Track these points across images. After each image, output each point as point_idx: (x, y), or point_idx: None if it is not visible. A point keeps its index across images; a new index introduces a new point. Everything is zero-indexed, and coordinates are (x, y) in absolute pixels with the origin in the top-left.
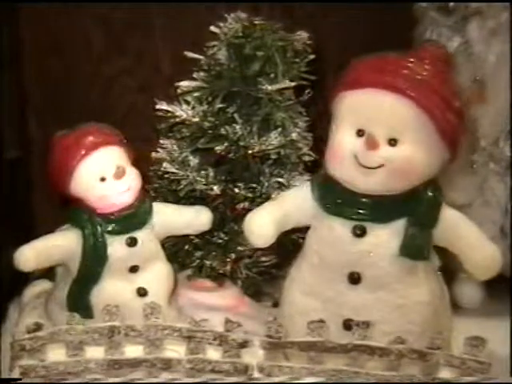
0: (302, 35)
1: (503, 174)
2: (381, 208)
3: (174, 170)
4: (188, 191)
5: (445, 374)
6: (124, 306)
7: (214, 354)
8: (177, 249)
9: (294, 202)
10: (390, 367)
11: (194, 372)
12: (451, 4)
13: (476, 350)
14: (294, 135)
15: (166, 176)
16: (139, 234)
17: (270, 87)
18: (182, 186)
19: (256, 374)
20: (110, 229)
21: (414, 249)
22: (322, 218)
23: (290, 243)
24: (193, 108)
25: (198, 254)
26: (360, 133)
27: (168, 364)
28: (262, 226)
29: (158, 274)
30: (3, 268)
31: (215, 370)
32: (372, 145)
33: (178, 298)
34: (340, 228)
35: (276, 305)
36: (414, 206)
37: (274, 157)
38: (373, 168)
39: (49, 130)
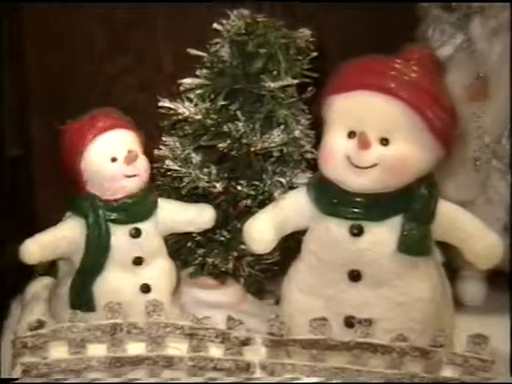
0: (305, 33)
1: (506, 171)
2: (376, 206)
3: (176, 168)
4: (190, 188)
5: (447, 371)
6: (127, 301)
7: (216, 351)
8: (179, 246)
9: (291, 206)
10: (392, 365)
11: (196, 370)
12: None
13: (478, 348)
14: (296, 133)
15: (169, 173)
16: (143, 226)
17: (272, 84)
18: (184, 184)
19: (258, 372)
20: (113, 217)
21: (411, 245)
22: (319, 219)
23: (292, 241)
24: (195, 105)
25: (201, 251)
26: (351, 135)
27: (170, 362)
28: (262, 231)
29: (161, 271)
30: (6, 265)
31: (217, 367)
32: (364, 144)
33: (180, 296)
34: (337, 228)
35: (278, 302)
36: (410, 203)
37: (276, 154)
38: (366, 168)
39: (50, 128)
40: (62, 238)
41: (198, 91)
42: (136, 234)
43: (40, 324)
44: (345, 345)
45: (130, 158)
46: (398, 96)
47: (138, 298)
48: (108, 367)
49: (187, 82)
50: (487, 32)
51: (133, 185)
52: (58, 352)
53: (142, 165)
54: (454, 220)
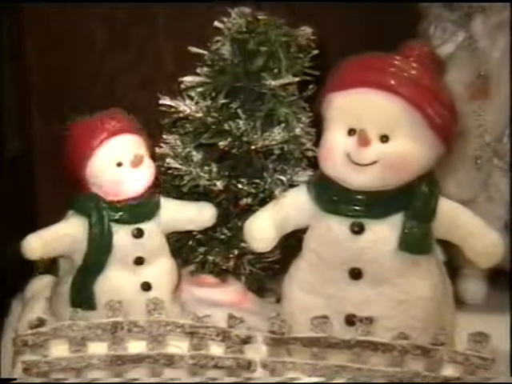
0: (306, 30)
1: (507, 169)
2: (377, 204)
3: (177, 166)
4: (191, 187)
5: (448, 370)
6: (127, 299)
7: (216, 349)
8: (180, 244)
9: (292, 205)
10: (393, 363)
11: (197, 368)
12: None
13: (479, 346)
14: (297, 130)
15: (170, 171)
16: (146, 226)
17: (273, 82)
18: (185, 182)
19: (259, 370)
20: (116, 217)
21: (412, 243)
22: (320, 217)
23: (293, 240)
24: (196, 103)
25: (202, 249)
26: (351, 132)
27: (171, 360)
28: (262, 229)
29: (162, 269)
30: (6, 263)
31: (218, 365)
32: (364, 141)
33: (181, 294)
34: (338, 226)
35: (279, 301)
36: (411, 200)
37: (277, 152)
38: (366, 165)
39: (51, 125)
40: (64, 235)
41: (199, 89)
42: (138, 234)
43: (40, 322)
44: (346, 343)
45: (136, 162)
46: (397, 93)
47: (138, 297)
48: (109, 365)
49: (188, 79)
50: (489, 29)
51: (137, 188)
52: (59, 350)
53: (147, 168)
54: (455, 218)
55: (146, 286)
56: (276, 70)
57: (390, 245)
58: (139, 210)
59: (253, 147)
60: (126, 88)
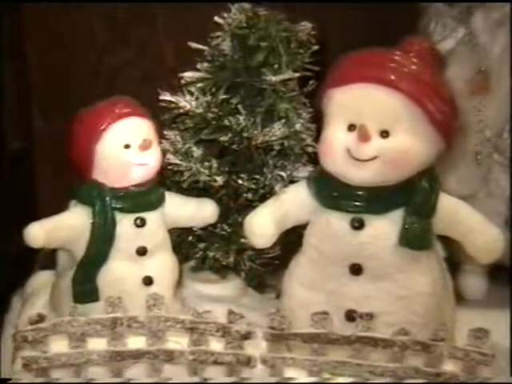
0: (306, 26)
1: (507, 164)
2: (377, 199)
3: (177, 161)
4: (191, 182)
5: (448, 365)
6: (128, 293)
7: (216, 345)
8: (180, 240)
9: (292, 200)
10: (393, 359)
11: (197, 364)
12: None
13: (479, 342)
14: (297, 126)
15: (170, 167)
16: (148, 216)
17: (273, 78)
18: (185, 177)
19: (259, 366)
20: (119, 206)
21: (413, 238)
22: (320, 213)
23: (293, 235)
24: (196, 99)
25: (202, 245)
26: (351, 128)
27: (170, 356)
28: (262, 225)
29: (164, 264)
30: (7, 258)
31: (218, 361)
32: (364, 137)
33: (181, 290)
34: (338, 221)
35: (279, 296)
36: (411, 196)
37: (277, 148)
38: (366, 160)
39: (52, 121)
40: (67, 225)
41: (199, 85)
42: (141, 223)
43: (40, 318)
44: (346, 339)
45: (144, 145)
46: (398, 88)
47: (140, 291)
48: (108, 361)
49: (188, 75)
50: (490, 25)
51: (142, 173)
52: (59, 346)
53: (154, 154)
54: (455, 214)
55: (148, 281)
56: (276, 66)
57: (390, 240)
58: (142, 198)
59: (253, 143)
60: (126, 85)
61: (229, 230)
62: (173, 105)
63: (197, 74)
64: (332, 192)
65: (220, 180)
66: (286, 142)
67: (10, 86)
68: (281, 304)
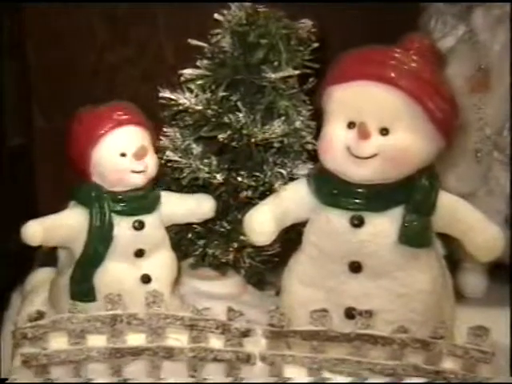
0: (306, 23)
1: (507, 162)
2: (377, 197)
3: (176, 159)
4: (191, 179)
5: (448, 363)
6: (127, 291)
7: (216, 342)
8: (180, 237)
9: (292, 198)
10: (392, 356)
11: (196, 361)
12: None
13: (479, 340)
14: (297, 124)
15: (169, 164)
16: (147, 219)
17: (273, 75)
18: (184, 175)
19: (258, 363)
20: (118, 209)
21: (412, 236)
22: (320, 211)
23: (292, 233)
24: (196, 96)
25: (201, 242)
26: (351, 125)
27: (170, 353)
28: (262, 223)
29: (162, 262)
30: (6, 255)
31: (217, 358)
32: (364, 134)
33: (180, 287)
34: (337, 219)
35: (279, 294)
36: (411, 194)
37: (277, 145)
38: (366, 158)
39: (52, 119)
40: (65, 224)
41: (199, 82)
42: (139, 226)
43: (40, 315)
44: (345, 336)
45: (139, 154)
46: (397, 86)
47: (138, 289)
48: (108, 358)
49: (188, 72)
50: (490, 22)
51: (138, 180)
52: (58, 343)
53: (150, 162)
54: (455, 212)
55: (146, 279)
56: (276, 63)
57: (389, 238)
58: (140, 201)
59: (253, 140)
60: (126, 83)
61: (228, 228)
62: (172, 102)
63: (196, 72)
64: (332, 189)
65: (220, 177)
66: (286, 139)
67: (10, 85)
68: (280, 301)
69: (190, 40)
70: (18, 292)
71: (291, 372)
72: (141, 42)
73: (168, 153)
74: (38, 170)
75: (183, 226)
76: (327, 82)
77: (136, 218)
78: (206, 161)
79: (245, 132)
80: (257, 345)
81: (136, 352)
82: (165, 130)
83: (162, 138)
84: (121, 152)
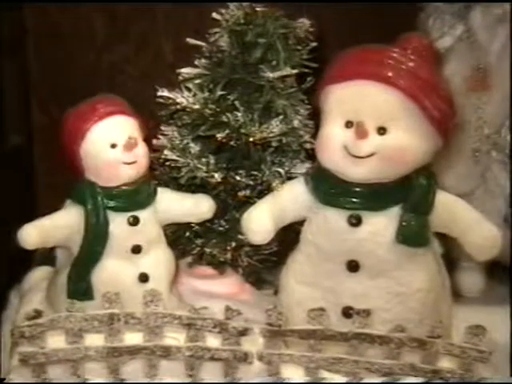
0: (304, 22)
1: (506, 162)
2: (375, 196)
3: (174, 158)
4: (189, 178)
5: (445, 362)
6: (125, 290)
7: (213, 341)
8: (177, 236)
9: (289, 197)
10: (389, 355)
11: (194, 360)
12: None
13: (476, 339)
14: (295, 123)
15: (167, 163)
16: (141, 214)
17: (271, 75)
18: (182, 174)
19: (256, 362)
20: (112, 205)
21: (410, 235)
22: (318, 210)
23: (290, 232)
24: (194, 95)
25: (199, 241)
26: (349, 124)
27: (167, 351)
28: (260, 222)
29: (159, 260)
30: (5, 254)
31: (215, 357)
32: (361, 134)
33: (178, 286)
34: (335, 218)
35: (277, 293)
36: (408, 193)
37: (275, 144)
38: (363, 157)
39: (51, 117)
40: (61, 224)
41: (197, 81)
42: (134, 221)
43: (37, 314)
44: (343, 335)
45: (130, 145)
46: (395, 85)
47: (136, 288)
48: (105, 357)
49: (186, 71)
50: (488, 22)
51: (131, 172)
52: (56, 341)
53: (141, 152)
54: (453, 211)
55: (144, 278)
56: (274, 62)
57: (387, 237)
58: (135, 197)
59: (251, 139)
60: (125, 81)
61: (226, 226)
62: (170, 101)
63: (195, 71)
64: (329, 189)
65: (218, 176)
66: (284, 138)
67: (9, 83)
68: (278, 300)
69: (188, 39)
70: (16, 291)
71: (288, 371)
72: (140, 41)
73: (166, 152)
74: (38, 168)
75: (181, 225)
76: (325, 82)
77: (130, 213)
78: (203, 160)
79: (243, 131)
80: (254, 344)
81: (133, 351)
82: (163, 128)
83: (160, 136)
84: (111, 143)
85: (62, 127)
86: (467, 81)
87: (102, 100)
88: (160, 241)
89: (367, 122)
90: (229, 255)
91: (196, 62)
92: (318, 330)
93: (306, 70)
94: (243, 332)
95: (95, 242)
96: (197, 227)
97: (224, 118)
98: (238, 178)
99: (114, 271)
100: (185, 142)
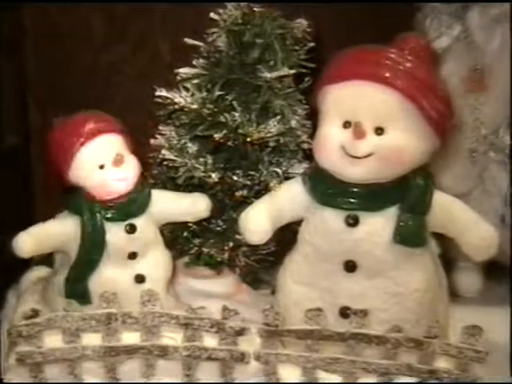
0: (302, 23)
1: (503, 162)
2: (372, 196)
3: (172, 157)
4: (186, 178)
5: (441, 362)
6: (122, 292)
7: (210, 341)
8: (175, 236)
9: (287, 197)
10: (386, 355)
11: (191, 359)
12: None
13: (473, 339)
14: (292, 123)
15: (165, 163)
16: (138, 221)
17: (269, 75)
18: (180, 173)
19: (253, 362)
20: (108, 216)
21: (407, 236)
22: (315, 210)
23: (288, 231)
24: (192, 95)
25: (196, 241)
26: (346, 125)
27: (165, 351)
28: (258, 222)
29: (156, 261)
30: (2, 253)
31: (212, 357)
32: (359, 134)
33: (175, 286)
34: (333, 218)
35: (274, 293)
36: (406, 193)
37: (272, 144)
38: (361, 157)
39: (49, 118)
40: (57, 233)
41: (195, 81)
42: (131, 229)
43: (35, 313)
44: (340, 335)
45: (118, 161)
46: (392, 85)
47: (132, 289)
48: (102, 356)
49: (184, 71)
50: (485, 22)
51: (122, 188)
52: (53, 341)
53: (130, 166)
54: (450, 211)
55: (140, 278)
56: (272, 63)
57: (384, 237)
58: (130, 206)
59: (248, 139)
60: (123, 81)
61: (224, 226)
62: (168, 101)
63: (192, 71)
64: (327, 189)
65: (215, 176)
66: (282, 138)
67: (7, 83)
68: (275, 300)
69: (186, 39)
70: (13, 290)
71: (285, 371)
72: (138, 41)
73: (164, 151)
74: (35, 169)
75: (178, 225)
76: (323, 82)
77: (127, 222)
78: (201, 160)
79: (240, 131)
80: (251, 344)
81: (131, 350)
82: (161, 128)
83: (157, 136)
84: (99, 164)
85: (48, 145)
86: (464, 81)
87: (87, 118)
88: (157, 242)
89: (365, 122)
90: (226, 255)
91: (194, 62)
92: (315, 330)
93: (304, 70)
94: (240, 332)
95: (92, 251)
96: (194, 227)
97: (222, 118)
98: (235, 177)
99: (111, 277)
100: (182, 141)
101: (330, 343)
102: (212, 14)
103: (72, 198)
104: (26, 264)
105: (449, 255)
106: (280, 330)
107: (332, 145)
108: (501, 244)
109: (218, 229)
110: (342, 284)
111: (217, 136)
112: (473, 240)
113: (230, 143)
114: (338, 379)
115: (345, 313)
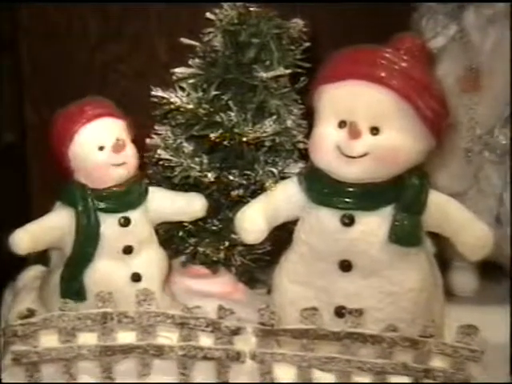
0: (298, 22)
1: (498, 162)
2: (368, 196)
3: (168, 157)
4: (182, 178)
5: (437, 362)
6: (117, 290)
7: (206, 340)
8: (171, 235)
9: (283, 196)
10: (382, 355)
11: (187, 359)
12: None
13: (468, 338)
14: (288, 123)
15: (161, 163)
16: (132, 215)
17: (265, 75)
18: (176, 173)
19: (248, 361)
20: (103, 206)
21: (402, 235)
22: (310, 209)
23: (284, 231)
24: (188, 95)
25: (192, 240)
26: (342, 124)
27: (160, 351)
28: (253, 221)
29: (151, 260)
30: None
31: (207, 356)
32: (354, 134)
33: (171, 285)
34: (328, 218)
35: (270, 292)
36: (401, 193)
37: (268, 144)
38: (356, 157)
39: (45, 115)
40: (52, 228)
41: (191, 81)
42: (125, 222)
43: (30, 312)
44: (335, 335)
45: (118, 147)
46: (388, 85)
47: (128, 288)
48: (98, 356)
49: (180, 71)
50: (481, 22)
51: (120, 173)
52: (49, 340)
53: (129, 153)
54: (445, 211)
55: (136, 277)
56: (268, 62)
57: (380, 237)
58: (125, 197)
59: (244, 139)
60: (118, 80)
61: (220, 226)
62: (164, 100)
63: (188, 70)
64: (322, 188)
65: (211, 176)
66: (277, 138)
67: (2, 81)
68: (271, 300)
69: (181, 39)
70: (9, 289)
71: (281, 370)
72: (133, 40)
73: (159, 151)
74: (31, 166)
75: (174, 224)
76: (318, 82)
77: (121, 214)
78: (197, 159)
79: (236, 131)
80: (247, 343)
81: (126, 350)
82: (156, 128)
83: (153, 136)
84: (98, 145)
85: (51, 129)
86: (460, 81)
87: (89, 102)
88: (152, 240)
89: (360, 122)
90: (222, 254)
91: (190, 62)
92: (310, 330)
93: (300, 70)
94: (236, 331)
95: (86, 243)
96: (190, 226)
97: (217, 118)
98: (231, 177)
99: (106, 272)
100: (178, 141)
101: (326, 342)
102: (208, 14)
103: (66, 190)
104: (22, 263)
105: (444, 255)
106: (275, 329)
107: (327, 144)
108: (496, 243)
109: (214, 228)
110: (337, 283)
111: (213, 136)
112: (468, 239)
113: (225, 143)
114: (333, 378)
115: (340, 312)
